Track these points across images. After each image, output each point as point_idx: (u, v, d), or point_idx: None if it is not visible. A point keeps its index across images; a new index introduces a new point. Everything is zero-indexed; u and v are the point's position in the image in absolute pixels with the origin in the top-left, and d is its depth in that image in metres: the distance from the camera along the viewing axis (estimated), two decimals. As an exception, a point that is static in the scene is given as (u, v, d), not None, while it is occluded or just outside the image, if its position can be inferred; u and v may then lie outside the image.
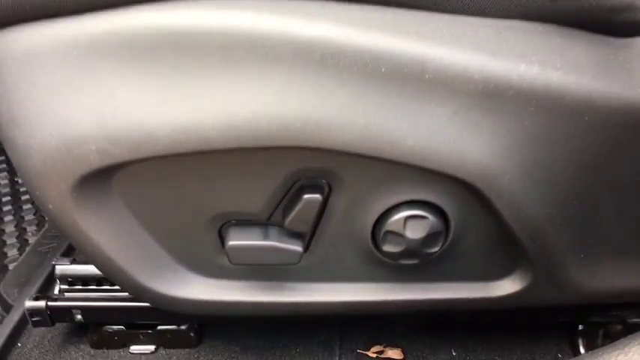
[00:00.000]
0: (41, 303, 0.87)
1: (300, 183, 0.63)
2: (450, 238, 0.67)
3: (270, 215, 0.66)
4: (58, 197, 0.59)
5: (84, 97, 0.54)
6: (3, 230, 1.24)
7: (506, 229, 0.64)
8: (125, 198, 0.63)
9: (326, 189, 0.63)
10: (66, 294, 0.88)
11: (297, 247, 0.66)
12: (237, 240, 0.66)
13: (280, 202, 0.65)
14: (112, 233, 0.64)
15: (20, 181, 1.41)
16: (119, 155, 0.56)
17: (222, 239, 0.68)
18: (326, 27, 0.52)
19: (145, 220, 0.65)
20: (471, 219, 0.66)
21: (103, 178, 0.60)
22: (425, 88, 0.54)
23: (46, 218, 1.27)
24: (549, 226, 0.64)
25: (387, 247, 0.67)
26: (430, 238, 0.65)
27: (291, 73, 0.53)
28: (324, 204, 0.64)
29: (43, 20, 0.53)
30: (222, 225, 0.67)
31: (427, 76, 0.54)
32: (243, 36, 0.52)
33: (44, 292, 0.94)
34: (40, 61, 0.53)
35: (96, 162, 0.56)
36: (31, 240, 1.20)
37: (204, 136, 0.55)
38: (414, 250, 0.66)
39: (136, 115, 0.54)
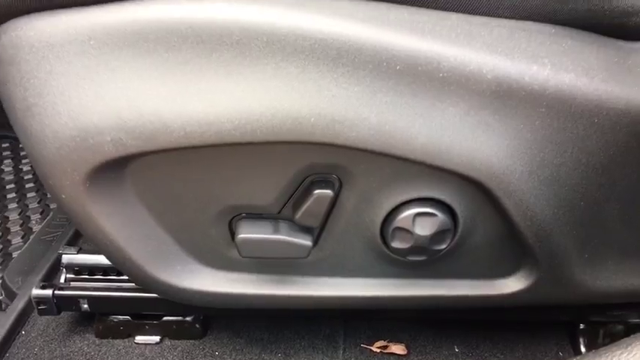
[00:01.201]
0: (48, 292, 0.87)
1: (312, 178, 0.63)
2: (457, 236, 0.68)
3: (281, 209, 0.66)
4: (71, 187, 0.60)
5: (99, 87, 0.55)
6: (7, 218, 1.25)
7: (512, 228, 0.65)
8: (138, 189, 0.63)
9: (337, 184, 0.64)
10: (72, 283, 0.89)
11: (306, 242, 0.67)
12: (247, 233, 0.67)
13: (291, 197, 0.65)
14: (123, 224, 0.65)
15: (24, 168, 1.41)
16: (133, 146, 0.56)
17: (232, 232, 0.69)
18: (343, 24, 0.53)
19: (156, 212, 0.66)
20: (479, 217, 0.67)
21: (116, 169, 0.60)
22: (438, 86, 0.55)
23: (51, 207, 1.27)
24: (555, 225, 0.64)
25: (396, 244, 0.67)
26: (438, 235, 0.66)
27: (307, 69, 0.54)
28: (335, 199, 0.65)
29: (60, 9, 0.53)
30: (233, 218, 0.68)
31: (441, 74, 0.55)
32: (260, 31, 0.52)
33: (48, 281, 0.94)
34: (57, 50, 0.54)
35: (110, 152, 0.57)
36: (35, 228, 1.20)
37: (219, 130, 0.55)
38: (422, 246, 0.67)
39: (151, 106, 0.55)
